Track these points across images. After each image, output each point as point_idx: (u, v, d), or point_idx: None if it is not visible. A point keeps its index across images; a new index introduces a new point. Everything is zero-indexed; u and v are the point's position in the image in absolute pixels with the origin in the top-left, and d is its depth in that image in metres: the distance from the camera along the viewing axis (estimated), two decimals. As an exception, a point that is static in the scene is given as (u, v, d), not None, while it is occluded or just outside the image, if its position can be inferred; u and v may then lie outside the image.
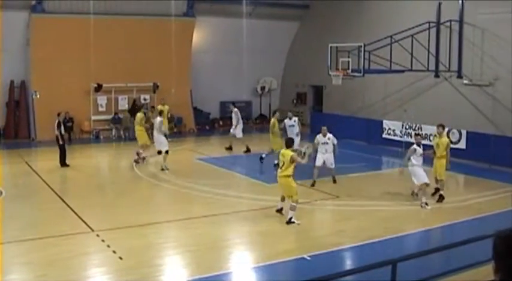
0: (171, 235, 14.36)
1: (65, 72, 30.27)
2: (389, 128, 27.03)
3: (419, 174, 17.14)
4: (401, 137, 26.41)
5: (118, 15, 31.47)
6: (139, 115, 24.15)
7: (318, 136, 19.88)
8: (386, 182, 20.58)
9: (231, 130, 26.92)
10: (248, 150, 26.24)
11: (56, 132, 22.91)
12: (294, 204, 14.90)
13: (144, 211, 16.25)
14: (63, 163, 23.11)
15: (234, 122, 26.83)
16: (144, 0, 32.00)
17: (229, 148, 26.82)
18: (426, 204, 16.81)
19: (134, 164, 23.05)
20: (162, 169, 22.03)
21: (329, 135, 19.73)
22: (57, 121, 23.10)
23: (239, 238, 14.43)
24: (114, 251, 12.49)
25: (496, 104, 24.44)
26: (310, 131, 33.38)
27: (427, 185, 17.21)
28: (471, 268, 9.77)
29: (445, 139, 18.45)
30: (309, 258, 12.23)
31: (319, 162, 19.70)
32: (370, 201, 18.15)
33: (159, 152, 22.58)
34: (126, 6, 31.74)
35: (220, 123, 36.28)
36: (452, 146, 23.69)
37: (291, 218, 14.91)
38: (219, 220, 15.67)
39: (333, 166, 19.75)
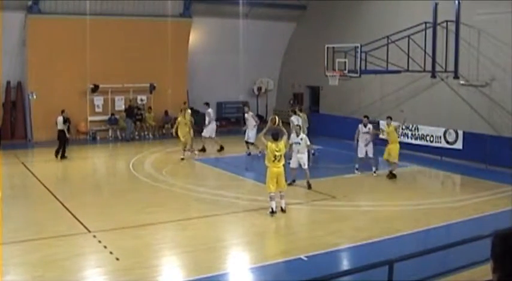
0: (168, 236, 14.36)
1: (61, 73, 30.22)
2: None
3: (358, 149, 21.72)
4: (398, 137, 26.36)
5: (114, 16, 31.43)
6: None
7: (291, 135, 19.48)
8: (383, 183, 20.59)
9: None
10: (203, 150, 26.54)
11: (63, 127, 24.83)
12: (284, 193, 16.26)
13: (141, 212, 16.23)
14: (61, 155, 24.67)
15: (206, 122, 26.85)
16: (140, 1, 31.99)
17: (221, 149, 26.86)
18: (375, 172, 21.59)
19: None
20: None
21: (302, 135, 19.38)
22: (62, 118, 24.93)
23: (236, 238, 14.44)
24: (111, 252, 12.47)
25: (492, 104, 24.47)
26: (306, 132, 33.44)
27: (360, 158, 21.76)
28: (468, 268, 9.79)
29: (391, 127, 21.32)
30: (305, 258, 12.24)
31: (294, 164, 19.31)
32: (366, 201, 18.21)
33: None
34: (123, 6, 31.72)
35: (217, 124, 36.21)
36: (448, 146, 24.06)
37: (285, 206, 16.20)
38: (216, 220, 15.68)
39: (306, 166, 19.29)
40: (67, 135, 25.11)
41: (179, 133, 25.16)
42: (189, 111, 27.15)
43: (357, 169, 21.85)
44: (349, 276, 10.04)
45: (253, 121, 25.73)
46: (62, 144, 24.85)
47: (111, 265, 11.84)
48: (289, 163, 18.98)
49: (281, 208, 16.04)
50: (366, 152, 21.65)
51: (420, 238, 14.23)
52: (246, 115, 26.40)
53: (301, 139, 19.23)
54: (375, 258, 9.91)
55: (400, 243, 13.56)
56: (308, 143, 19.35)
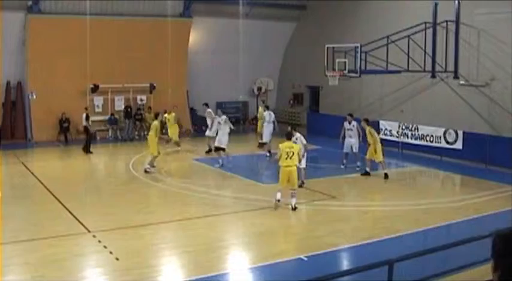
0: (167, 236, 14.36)
1: (61, 73, 30.26)
2: (386, 129, 27.04)
3: (344, 145, 22.78)
4: (397, 137, 26.42)
5: (115, 16, 31.46)
6: (156, 124, 22.45)
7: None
8: (382, 183, 20.60)
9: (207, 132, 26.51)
10: (210, 150, 25.85)
11: (85, 123, 27.21)
12: (295, 191, 16.45)
13: (140, 212, 16.24)
14: (87, 150, 26.55)
15: (208, 123, 26.48)
16: (140, 1, 32.00)
17: (209, 151, 26.11)
18: (358, 166, 22.16)
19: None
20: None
21: (297, 135, 19.25)
22: (85, 114, 27.40)
23: (236, 238, 14.44)
24: (110, 252, 12.47)
25: (492, 104, 24.47)
26: (306, 132, 33.44)
27: (345, 154, 22.71)
28: (468, 268, 9.78)
29: (367, 129, 21.54)
30: (305, 258, 12.23)
31: None
32: (366, 201, 18.24)
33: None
34: (123, 6, 31.72)
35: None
36: (448, 146, 24.07)
37: (295, 204, 16.37)
38: (216, 220, 15.68)
39: (303, 166, 19.22)
40: (90, 131, 27.20)
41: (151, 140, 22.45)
42: (166, 116, 27.22)
43: (342, 165, 22.75)
44: (349, 276, 10.03)
45: (227, 128, 23.63)
46: (87, 139, 26.91)
47: (111, 265, 11.84)
48: None
49: (291, 206, 16.33)
50: (351, 147, 22.64)
51: (420, 238, 14.23)
52: (218, 119, 24.31)
53: (297, 139, 19.21)
54: (374, 258, 9.90)
55: (400, 243, 13.55)
56: (304, 142, 19.29)
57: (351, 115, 23.17)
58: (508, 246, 2.86)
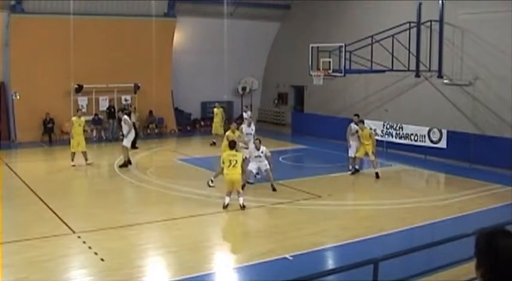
0: (152, 236, 14.30)
1: (45, 73, 30.07)
2: (371, 128, 27.08)
3: (351, 148, 21.58)
4: (382, 136, 26.49)
5: (98, 16, 31.31)
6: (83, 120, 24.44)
7: (251, 147, 19.52)
8: (367, 182, 20.66)
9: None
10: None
11: None
12: (242, 191, 16.58)
13: (125, 212, 16.19)
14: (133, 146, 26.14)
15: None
16: (124, 1, 31.87)
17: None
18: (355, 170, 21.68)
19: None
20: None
21: (262, 148, 18.99)
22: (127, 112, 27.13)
23: (221, 238, 14.46)
24: (95, 253, 12.42)
25: (476, 103, 24.64)
26: (291, 131, 33.51)
27: (352, 158, 21.50)
28: (452, 266, 9.83)
29: (366, 131, 21.44)
30: (291, 258, 12.24)
31: (253, 168, 19.16)
32: (351, 200, 18.30)
33: None
34: (107, 6, 31.59)
35: (202, 123, 36.22)
36: (432, 145, 24.16)
37: (243, 202, 16.36)
38: (201, 220, 15.65)
39: (268, 167, 18.90)
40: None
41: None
42: (73, 119, 24.55)
43: (350, 169, 21.77)
44: (334, 275, 10.05)
45: (126, 127, 23.43)
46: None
47: (96, 266, 11.79)
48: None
49: (241, 206, 16.34)
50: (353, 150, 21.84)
51: (405, 237, 14.28)
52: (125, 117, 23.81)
53: (262, 152, 19.05)
54: (360, 257, 9.92)
55: (385, 242, 13.60)
56: (269, 154, 19.20)
57: (357, 116, 22.44)
58: (491, 244, 2.91)
